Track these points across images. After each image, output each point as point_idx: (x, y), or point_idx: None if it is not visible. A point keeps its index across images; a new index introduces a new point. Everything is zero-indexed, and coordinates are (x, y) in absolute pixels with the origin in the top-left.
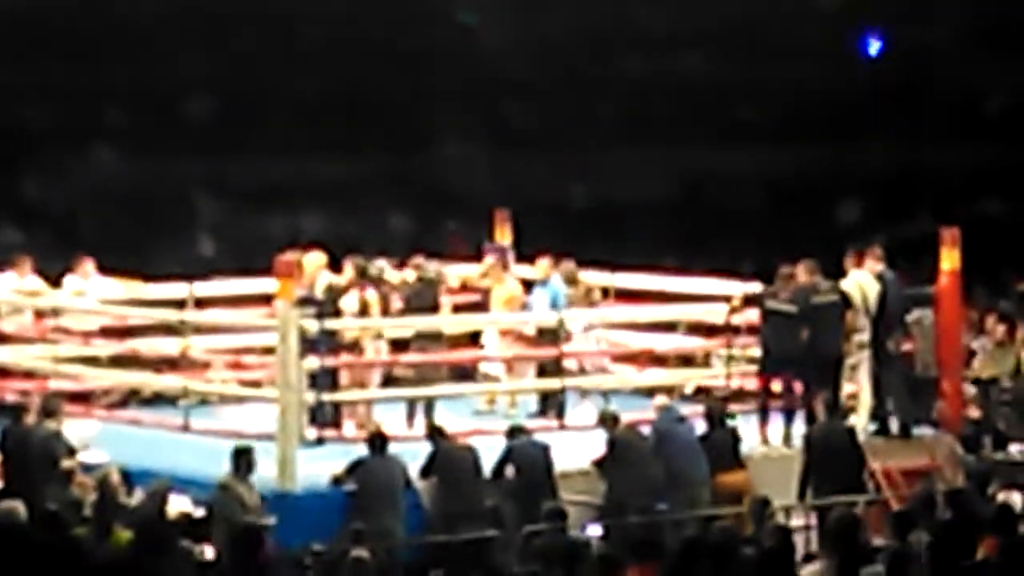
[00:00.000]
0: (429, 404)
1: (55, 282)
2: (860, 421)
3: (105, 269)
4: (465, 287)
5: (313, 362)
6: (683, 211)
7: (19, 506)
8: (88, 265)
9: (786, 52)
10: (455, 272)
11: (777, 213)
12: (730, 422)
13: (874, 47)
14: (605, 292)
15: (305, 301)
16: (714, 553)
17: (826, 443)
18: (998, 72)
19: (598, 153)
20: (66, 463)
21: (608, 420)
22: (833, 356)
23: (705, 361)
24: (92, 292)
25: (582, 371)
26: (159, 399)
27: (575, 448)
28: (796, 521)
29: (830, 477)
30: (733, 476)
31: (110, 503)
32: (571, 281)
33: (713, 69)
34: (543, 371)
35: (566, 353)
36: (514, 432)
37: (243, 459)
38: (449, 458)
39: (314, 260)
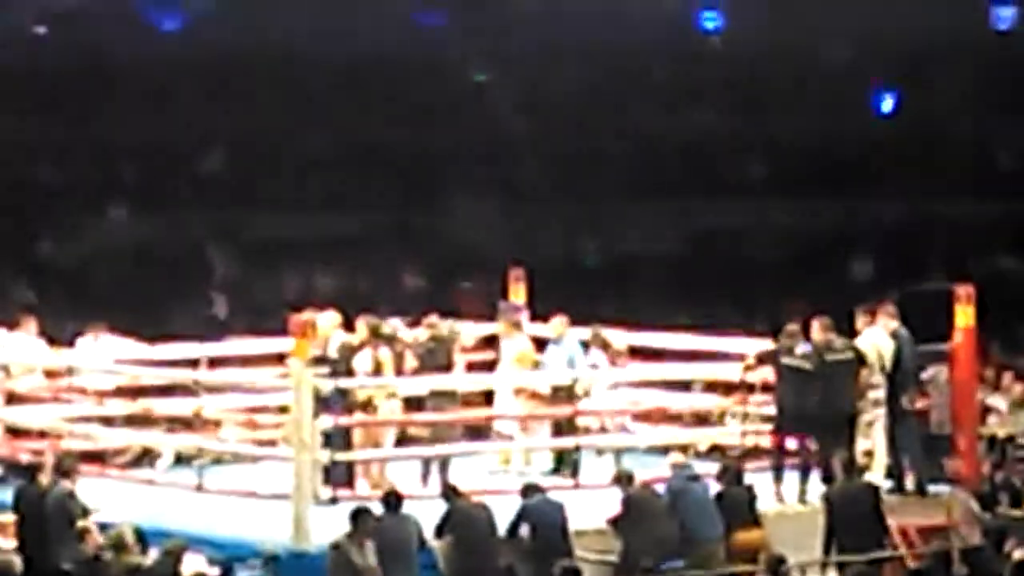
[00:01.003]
0: (443, 463)
1: (68, 343)
2: (875, 478)
3: (117, 328)
4: (480, 346)
5: (327, 421)
6: (695, 265)
7: (15, 559)
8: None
9: (798, 107)
10: (468, 331)
11: (789, 268)
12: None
13: (887, 103)
14: (633, 351)
15: (319, 360)
16: None
17: (845, 502)
18: (1011, 127)
19: (609, 207)
20: (80, 522)
21: (623, 479)
22: (847, 413)
23: (720, 419)
24: (104, 353)
25: (603, 430)
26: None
27: (590, 506)
28: None
29: (852, 535)
30: (749, 534)
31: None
32: (604, 346)
33: (725, 123)
34: (558, 430)
35: (580, 411)
36: (529, 491)
37: (360, 520)
38: (464, 517)
39: (328, 320)
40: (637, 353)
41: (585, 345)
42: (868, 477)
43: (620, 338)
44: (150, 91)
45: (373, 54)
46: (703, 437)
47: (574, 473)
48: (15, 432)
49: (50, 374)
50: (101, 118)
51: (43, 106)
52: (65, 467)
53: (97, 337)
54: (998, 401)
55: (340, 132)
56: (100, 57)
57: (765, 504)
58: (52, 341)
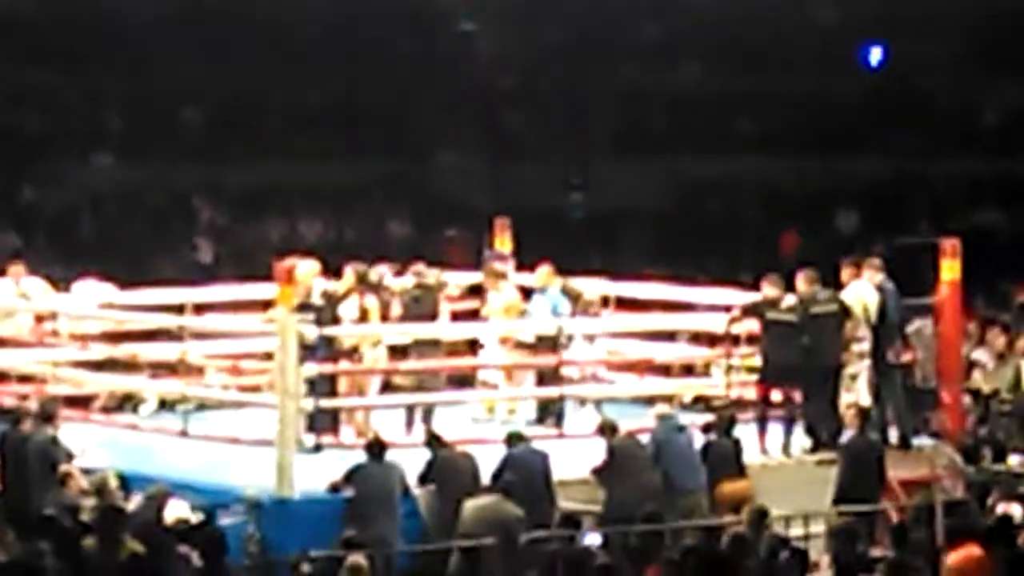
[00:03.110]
0: (428, 411)
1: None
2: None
3: (103, 275)
4: (465, 295)
5: (311, 368)
6: (680, 220)
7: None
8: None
9: (785, 63)
10: (455, 280)
11: (774, 222)
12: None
13: (874, 58)
14: (605, 301)
15: (304, 307)
16: (720, 563)
17: (860, 455)
18: (996, 86)
19: (596, 162)
20: (63, 467)
21: (607, 429)
22: (832, 366)
23: (705, 370)
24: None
25: (582, 379)
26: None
27: (574, 456)
28: (795, 531)
29: (857, 489)
30: (735, 485)
31: (112, 512)
32: (574, 298)
33: (711, 79)
34: (542, 379)
35: (565, 361)
36: (513, 439)
37: None
38: (447, 465)
39: (307, 269)
40: (622, 304)
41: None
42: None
43: (601, 288)
44: (137, 41)
45: (360, 6)
46: (688, 388)
47: (558, 422)
48: None
49: (38, 318)
50: (88, 67)
51: (30, 54)
52: (47, 412)
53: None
54: (982, 355)
55: (327, 83)
56: (88, 6)
57: (749, 456)
58: (53, 283)
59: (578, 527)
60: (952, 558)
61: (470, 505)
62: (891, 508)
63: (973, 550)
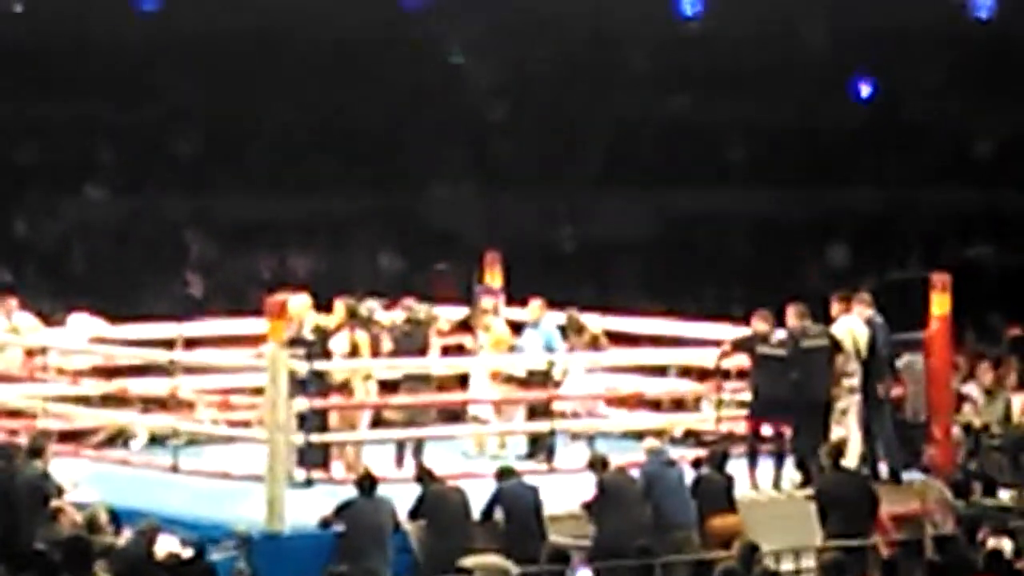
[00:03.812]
0: (418, 446)
1: (45, 322)
2: (850, 466)
3: (93, 309)
4: (455, 330)
5: (302, 403)
6: (670, 252)
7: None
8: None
9: (775, 94)
10: (445, 314)
11: (764, 255)
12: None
13: (865, 90)
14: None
15: (295, 342)
16: None
17: (836, 492)
18: (988, 116)
19: (585, 193)
20: (55, 502)
21: (598, 464)
22: (821, 400)
23: (695, 405)
24: (79, 332)
25: (575, 415)
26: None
27: (564, 491)
28: (786, 566)
29: (843, 524)
30: (724, 520)
31: (94, 542)
32: (578, 330)
33: (702, 110)
34: (533, 413)
35: (556, 396)
36: (503, 474)
37: None
38: (438, 500)
39: (300, 303)
40: (613, 338)
41: (563, 330)
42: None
43: (597, 322)
44: (127, 71)
45: (351, 35)
46: (678, 422)
47: (549, 457)
48: None
49: (28, 353)
50: (79, 98)
51: (21, 85)
52: (36, 447)
53: (68, 320)
54: (972, 390)
55: (317, 114)
56: (78, 36)
57: (739, 490)
58: (43, 318)
59: (567, 561)
60: None
61: (473, 563)
62: (881, 543)
63: None
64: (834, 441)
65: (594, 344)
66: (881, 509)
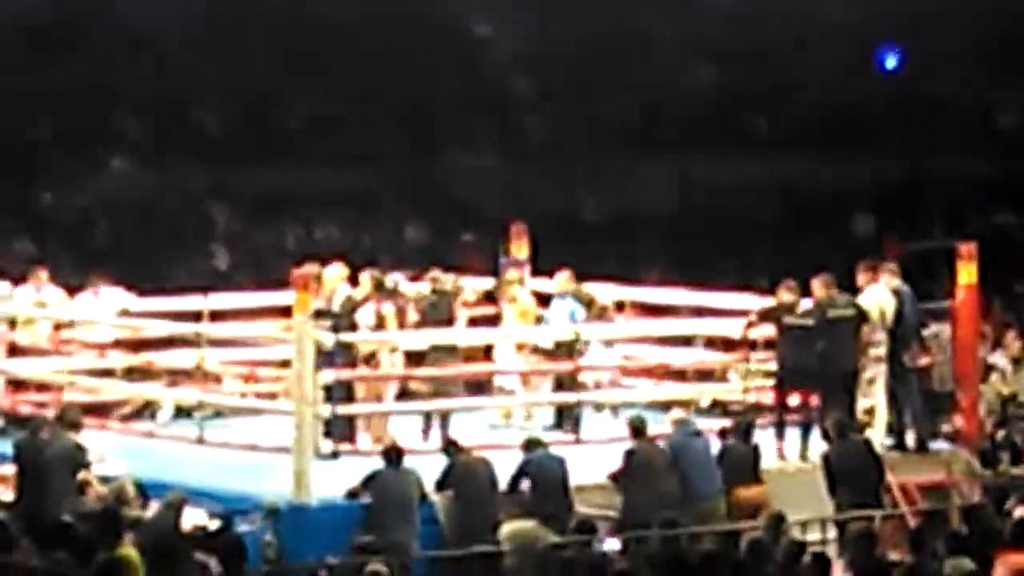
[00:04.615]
0: (444, 417)
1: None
2: (877, 435)
3: (118, 281)
4: (481, 301)
5: (328, 375)
6: (696, 223)
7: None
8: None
9: (800, 64)
10: (471, 285)
11: (790, 225)
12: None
13: (891, 61)
14: (620, 306)
15: (321, 314)
16: (738, 568)
17: (843, 463)
18: (1012, 87)
19: (610, 164)
20: (81, 475)
21: (635, 427)
22: (849, 370)
23: (722, 375)
24: (106, 305)
25: (597, 386)
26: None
27: (591, 461)
28: (812, 535)
29: (851, 494)
30: (749, 490)
31: (123, 515)
32: (587, 304)
33: (726, 80)
34: (559, 385)
35: (582, 367)
36: (530, 445)
37: None
38: (465, 471)
39: (334, 273)
40: (639, 309)
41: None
42: (869, 434)
43: (614, 293)
44: (152, 45)
45: (375, 7)
46: (705, 393)
47: (575, 428)
48: (16, 384)
49: (56, 326)
50: (103, 72)
51: (44, 59)
52: (70, 419)
53: (97, 291)
54: (999, 359)
55: (342, 88)
56: (104, 9)
57: (766, 461)
58: (69, 291)
59: (594, 532)
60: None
61: (508, 529)
62: (908, 512)
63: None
64: (837, 415)
65: (601, 317)
66: (904, 479)
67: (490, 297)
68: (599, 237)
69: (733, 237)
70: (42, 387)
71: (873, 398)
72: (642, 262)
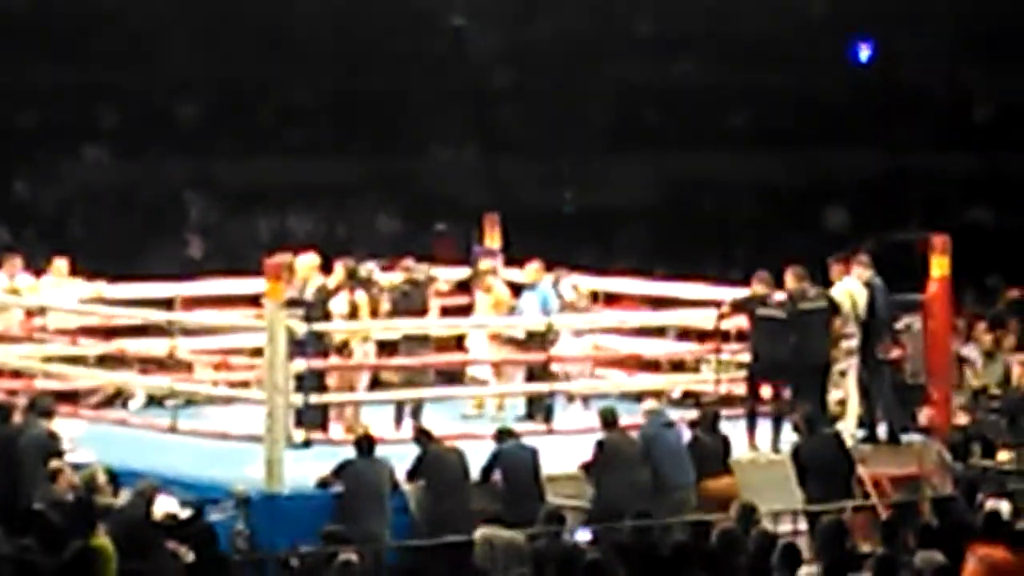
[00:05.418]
0: (417, 407)
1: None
2: (848, 427)
3: (92, 271)
4: (454, 291)
5: (300, 364)
6: (672, 216)
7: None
8: (60, 265)
9: (776, 58)
10: (444, 275)
11: (766, 219)
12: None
13: (864, 53)
14: (595, 297)
15: (293, 302)
16: (710, 559)
17: (812, 456)
18: (987, 79)
19: (587, 158)
20: (53, 463)
21: (606, 417)
22: (820, 362)
23: (694, 366)
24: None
25: (566, 376)
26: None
27: (563, 452)
28: (783, 527)
29: (821, 488)
30: (719, 482)
31: (95, 503)
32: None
33: (703, 75)
34: (531, 375)
35: (554, 357)
36: (502, 435)
37: None
38: (436, 461)
39: (307, 262)
40: (612, 300)
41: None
42: (840, 426)
43: (590, 283)
44: (130, 36)
45: (354, 1)
46: (677, 384)
47: (547, 418)
48: None
49: (29, 313)
50: (81, 62)
51: (22, 49)
52: (43, 407)
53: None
54: (971, 352)
55: (320, 79)
56: (81, 1)
57: (738, 452)
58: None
59: (564, 523)
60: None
61: (481, 534)
62: (880, 504)
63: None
64: (809, 409)
65: (574, 307)
66: (875, 471)
67: (463, 287)
68: (576, 229)
69: (709, 230)
70: (15, 374)
71: (845, 390)
72: (619, 255)
